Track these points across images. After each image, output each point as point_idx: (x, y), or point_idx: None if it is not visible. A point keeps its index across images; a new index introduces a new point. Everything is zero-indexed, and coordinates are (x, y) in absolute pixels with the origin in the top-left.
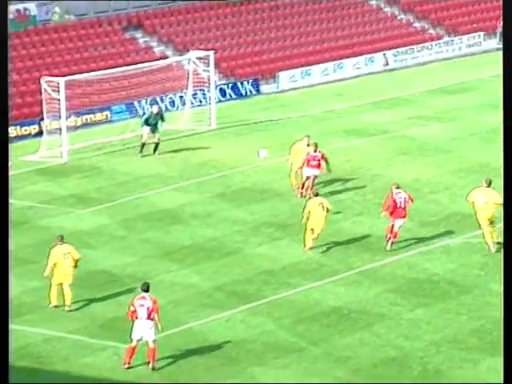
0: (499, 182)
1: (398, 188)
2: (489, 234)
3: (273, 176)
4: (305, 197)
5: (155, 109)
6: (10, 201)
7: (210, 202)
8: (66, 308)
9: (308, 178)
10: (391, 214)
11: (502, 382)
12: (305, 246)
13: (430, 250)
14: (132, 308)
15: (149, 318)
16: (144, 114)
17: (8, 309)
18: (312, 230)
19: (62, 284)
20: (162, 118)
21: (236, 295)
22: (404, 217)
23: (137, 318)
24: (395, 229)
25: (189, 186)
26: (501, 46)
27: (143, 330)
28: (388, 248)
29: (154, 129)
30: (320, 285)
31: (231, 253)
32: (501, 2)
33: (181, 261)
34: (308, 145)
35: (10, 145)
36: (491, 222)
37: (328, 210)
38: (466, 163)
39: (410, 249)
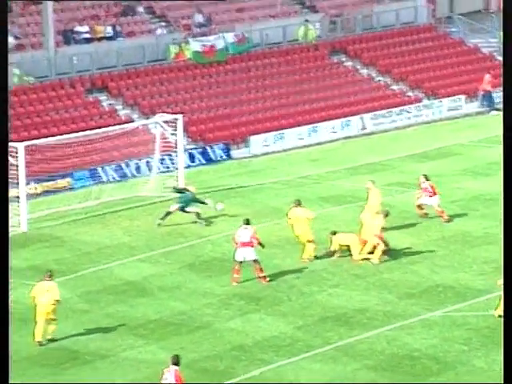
0: (482, 252)
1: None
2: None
3: None
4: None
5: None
6: None
7: (178, 273)
8: (48, 336)
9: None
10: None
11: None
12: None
13: (411, 324)
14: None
15: None
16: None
17: (8, 309)
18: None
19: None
20: (198, 201)
21: (205, 373)
22: None
23: None
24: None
25: (155, 256)
26: (482, 109)
27: None
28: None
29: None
30: (294, 361)
31: (200, 327)
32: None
33: (146, 336)
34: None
35: None
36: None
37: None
38: (447, 232)
39: (389, 322)
